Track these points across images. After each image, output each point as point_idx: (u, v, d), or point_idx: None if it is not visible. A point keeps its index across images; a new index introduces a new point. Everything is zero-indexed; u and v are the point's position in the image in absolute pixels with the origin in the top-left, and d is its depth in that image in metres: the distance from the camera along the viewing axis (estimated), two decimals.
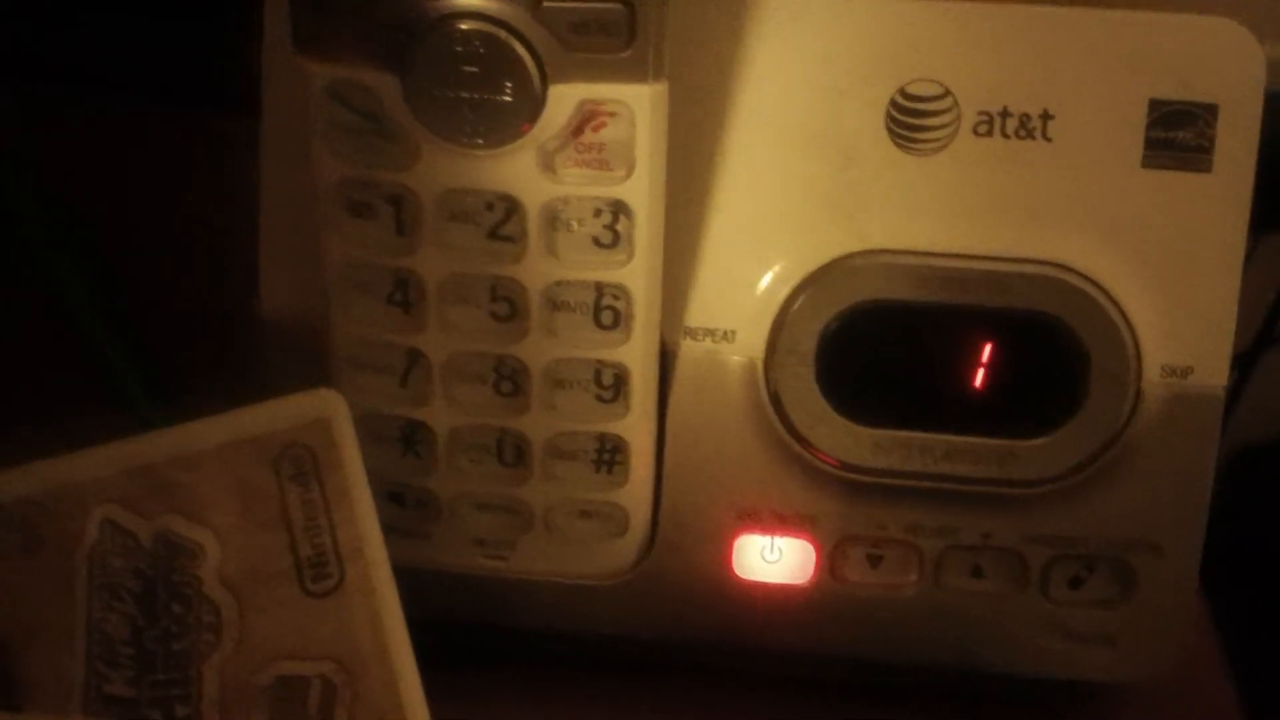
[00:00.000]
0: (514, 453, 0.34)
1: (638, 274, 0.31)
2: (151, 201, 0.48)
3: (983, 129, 0.33)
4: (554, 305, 0.32)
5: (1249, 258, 0.33)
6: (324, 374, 0.33)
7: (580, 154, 0.30)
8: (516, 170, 0.30)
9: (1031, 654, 0.35)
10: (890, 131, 0.33)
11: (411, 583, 0.29)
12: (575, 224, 0.31)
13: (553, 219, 0.31)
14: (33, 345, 0.45)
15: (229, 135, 0.35)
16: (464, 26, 0.28)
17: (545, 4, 0.28)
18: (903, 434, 0.34)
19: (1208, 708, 0.38)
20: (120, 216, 0.48)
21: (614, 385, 0.33)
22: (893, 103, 0.33)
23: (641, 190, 0.30)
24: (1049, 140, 0.33)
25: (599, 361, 0.32)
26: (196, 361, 0.42)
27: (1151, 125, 0.33)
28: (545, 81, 0.28)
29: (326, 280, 0.32)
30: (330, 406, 0.30)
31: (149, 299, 0.46)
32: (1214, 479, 0.34)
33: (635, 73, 0.29)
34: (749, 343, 0.34)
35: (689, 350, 0.34)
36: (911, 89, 0.33)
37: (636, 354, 0.32)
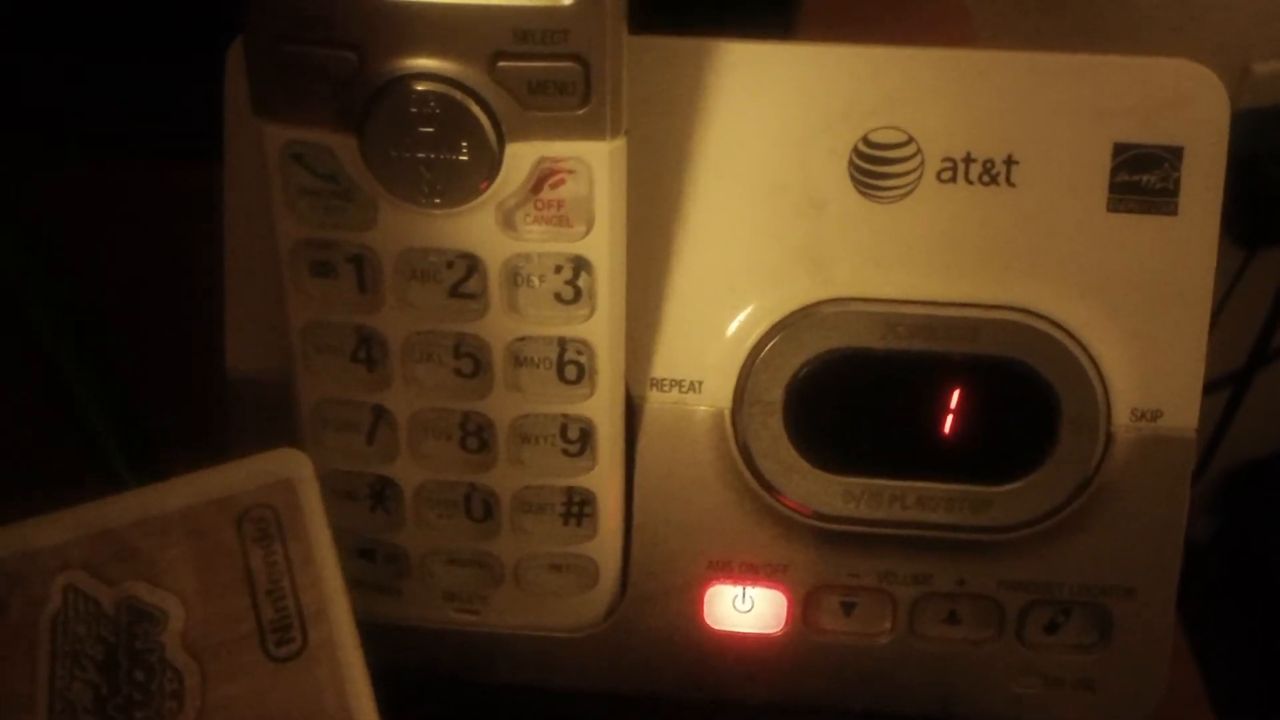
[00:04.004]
0: (482, 507, 0.33)
1: (600, 328, 0.31)
2: (130, 255, 0.48)
3: (946, 175, 0.33)
4: (518, 361, 0.31)
5: (1241, 273, 0.33)
6: (291, 434, 0.32)
7: (539, 211, 0.30)
8: (476, 228, 0.30)
9: (1010, 701, 0.35)
10: (854, 179, 0.33)
11: (384, 639, 0.29)
12: (536, 280, 0.31)
13: (514, 275, 0.30)
14: (12, 407, 0.45)
15: (205, 189, 0.35)
16: (419, 87, 0.28)
17: (501, 64, 0.28)
18: (873, 482, 0.33)
19: None
20: (101, 272, 0.48)
21: (580, 439, 0.33)
22: (856, 150, 0.33)
23: (602, 245, 0.30)
24: (1013, 185, 0.33)
25: (565, 416, 0.32)
26: (175, 424, 0.42)
27: (1116, 169, 0.32)
28: (502, 140, 0.28)
29: (291, 339, 0.32)
30: (294, 466, 0.30)
31: (128, 359, 0.46)
32: (1208, 494, 0.34)
33: (592, 130, 0.28)
34: (716, 393, 0.34)
35: (656, 401, 0.34)
36: (874, 137, 0.33)
37: (602, 407, 0.32)
